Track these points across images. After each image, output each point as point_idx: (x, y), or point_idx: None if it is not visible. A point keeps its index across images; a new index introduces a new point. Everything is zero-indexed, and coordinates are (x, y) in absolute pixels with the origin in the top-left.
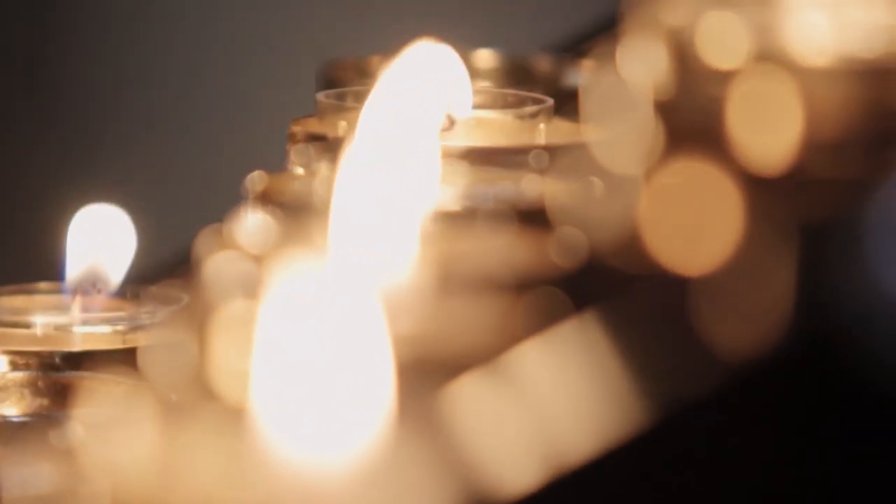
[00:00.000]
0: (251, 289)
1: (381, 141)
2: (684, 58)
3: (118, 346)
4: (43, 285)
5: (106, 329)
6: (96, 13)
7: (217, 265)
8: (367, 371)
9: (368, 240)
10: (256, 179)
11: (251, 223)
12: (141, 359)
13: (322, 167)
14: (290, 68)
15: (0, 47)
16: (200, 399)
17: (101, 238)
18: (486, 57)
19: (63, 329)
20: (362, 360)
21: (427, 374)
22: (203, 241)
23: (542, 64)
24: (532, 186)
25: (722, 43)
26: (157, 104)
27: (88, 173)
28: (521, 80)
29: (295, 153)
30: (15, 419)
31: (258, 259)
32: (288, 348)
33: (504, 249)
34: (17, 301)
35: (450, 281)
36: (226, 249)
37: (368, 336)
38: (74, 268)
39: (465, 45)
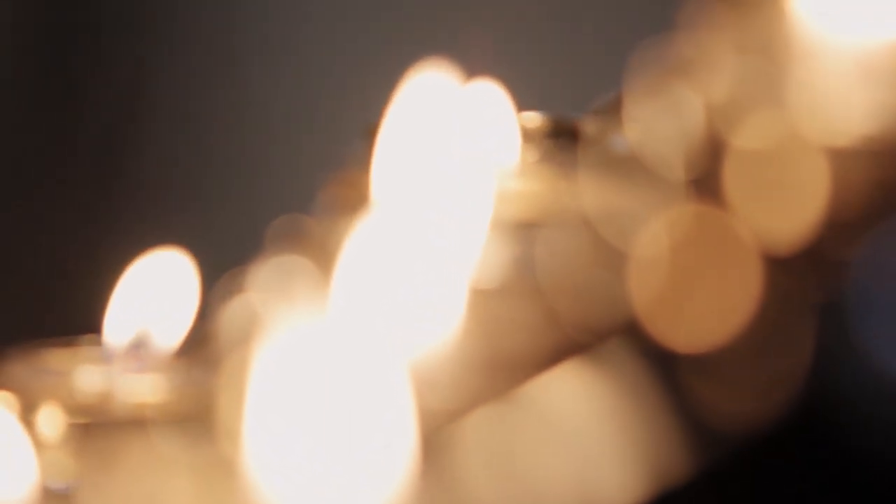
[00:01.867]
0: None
1: (418, 197)
2: (710, 133)
3: (165, 404)
4: (93, 340)
5: (153, 386)
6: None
7: (231, 314)
8: (385, 442)
9: (397, 304)
10: (280, 226)
11: (272, 271)
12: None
13: (359, 220)
14: (341, 121)
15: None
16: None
17: (156, 287)
18: (531, 119)
19: (108, 389)
20: (382, 431)
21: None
22: (222, 288)
23: (588, 126)
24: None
25: (747, 120)
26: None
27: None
28: (566, 143)
29: (329, 203)
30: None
31: (272, 308)
32: (295, 407)
33: (540, 324)
34: (64, 355)
35: (484, 356)
36: (242, 297)
37: (390, 406)
38: (125, 321)
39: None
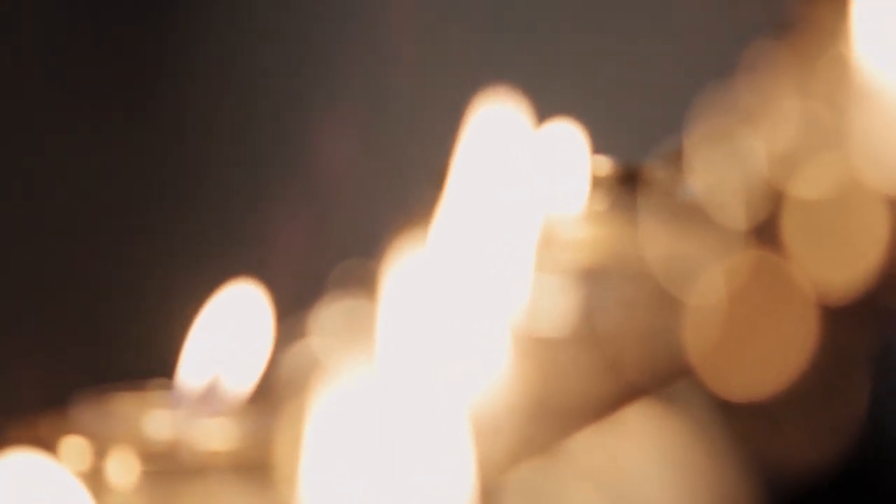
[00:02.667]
0: (321, 385)
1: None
2: (771, 181)
3: (233, 451)
4: (163, 382)
5: (222, 433)
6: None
7: (294, 358)
8: (443, 490)
9: (456, 350)
10: (346, 270)
11: (335, 315)
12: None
13: (422, 265)
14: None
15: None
16: None
17: (230, 332)
18: (600, 164)
19: (177, 430)
20: (440, 479)
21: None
22: (286, 332)
23: (654, 172)
24: (627, 307)
25: (807, 168)
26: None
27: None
28: (633, 188)
29: (396, 248)
30: None
31: (333, 354)
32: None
33: (600, 372)
34: (134, 399)
35: (543, 403)
36: (304, 341)
37: (449, 454)
38: (197, 364)
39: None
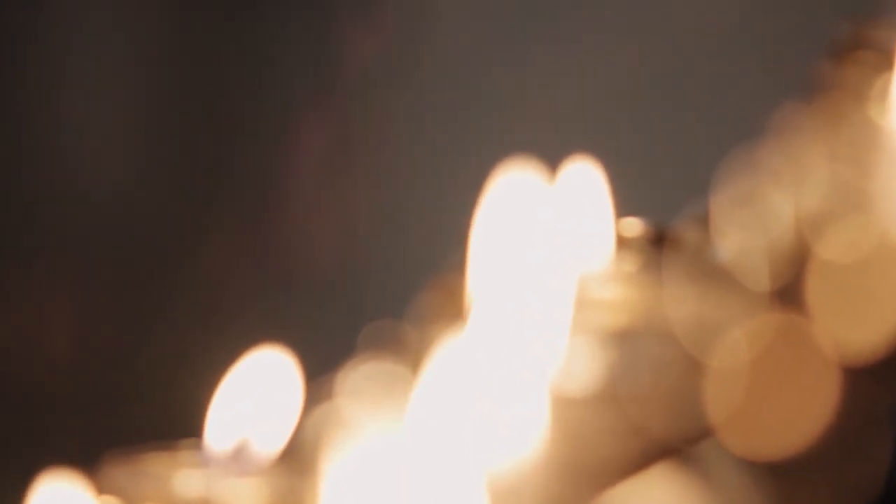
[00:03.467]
0: (345, 446)
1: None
2: (796, 242)
3: None
4: (192, 442)
5: (251, 492)
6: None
7: (320, 419)
8: None
9: (481, 412)
10: (374, 331)
11: (363, 376)
12: None
13: (450, 327)
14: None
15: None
16: None
17: (259, 391)
18: (629, 225)
19: (207, 489)
20: None
21: None
22: (313, 392)
23: (684, 234)
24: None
25: (833, 230)
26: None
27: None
28: (662, 249)
29: (426, 309)
30: None
31: (360, 415)
32: None
33: (626, 433)
34: (164, 459)
35: (570, 464)
36: (331, 402)
37: None
38: (226, 424)
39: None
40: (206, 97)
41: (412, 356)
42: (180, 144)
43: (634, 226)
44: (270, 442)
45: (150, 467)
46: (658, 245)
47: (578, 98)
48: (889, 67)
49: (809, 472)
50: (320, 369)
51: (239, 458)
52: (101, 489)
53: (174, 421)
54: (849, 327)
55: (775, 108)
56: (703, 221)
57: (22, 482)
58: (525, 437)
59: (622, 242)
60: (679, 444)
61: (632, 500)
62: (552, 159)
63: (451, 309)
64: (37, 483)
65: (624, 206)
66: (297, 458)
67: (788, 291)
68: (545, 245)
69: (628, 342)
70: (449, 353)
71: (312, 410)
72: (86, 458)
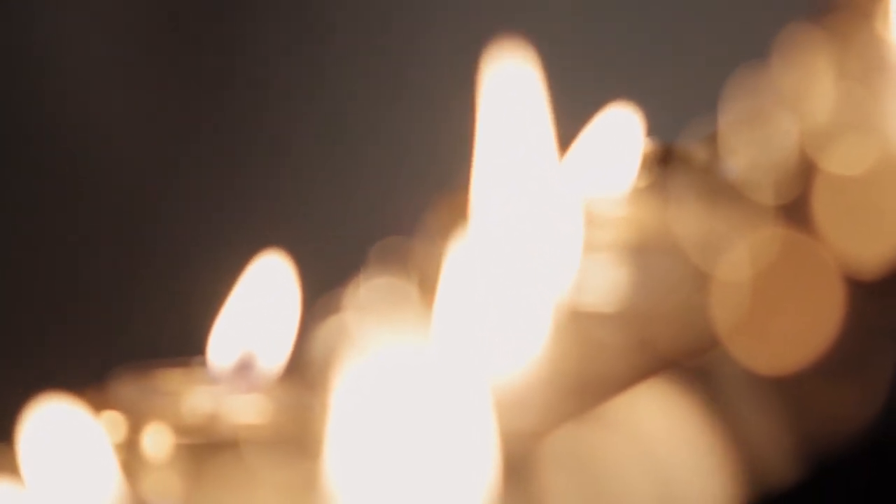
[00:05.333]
0: (352, 360)
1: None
2: (802, 158)
3: (268, 425)
4: (199, 361)
5: (259, 407)
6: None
7: (328, 334)
8: (469, 463)
9: (489, 324)
10: (384, 247)
11: (371, 292)
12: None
13: (458, 242)
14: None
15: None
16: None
17: (262, 307)
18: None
19: (215, 405)
20: (466, 452)
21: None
22: (321, 307)
23: (695, 152)
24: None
25: (839, 145)
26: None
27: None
28: (674, 168)
29: (433, 226)
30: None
31: (367, 330)
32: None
33: (633, 347)
34: (173, 375)
35: (575, 377)
36: (339, 317)
37: (471, 427)
38: (232, 341)
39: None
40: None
41: (419, 273)
42: (161, 86)
43: (647, 144)
44: (273, 357)
45: (156, 383)
46: (665, 163)
47: (585, 15)
48: None
49: (815, 386)
50: (326, 284)
51: (245, 375)
52: (106, 406)
53: (179, 340)
54: (854, 242)
55: (783, 26)
56: (711, 140)
57: (23, 405)
58: (531, 349)
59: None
60: (685, 359)
61: (629, 411)
62: (560, 81)
63: (459, 226)
64: (34, 404)
65: (633, 126)
66: (305, 373)
67: (795, 206)
68: (552, 162)
69: (638, 258)
70: (456, 267)
71: (320, 326)
72: (91, 378)
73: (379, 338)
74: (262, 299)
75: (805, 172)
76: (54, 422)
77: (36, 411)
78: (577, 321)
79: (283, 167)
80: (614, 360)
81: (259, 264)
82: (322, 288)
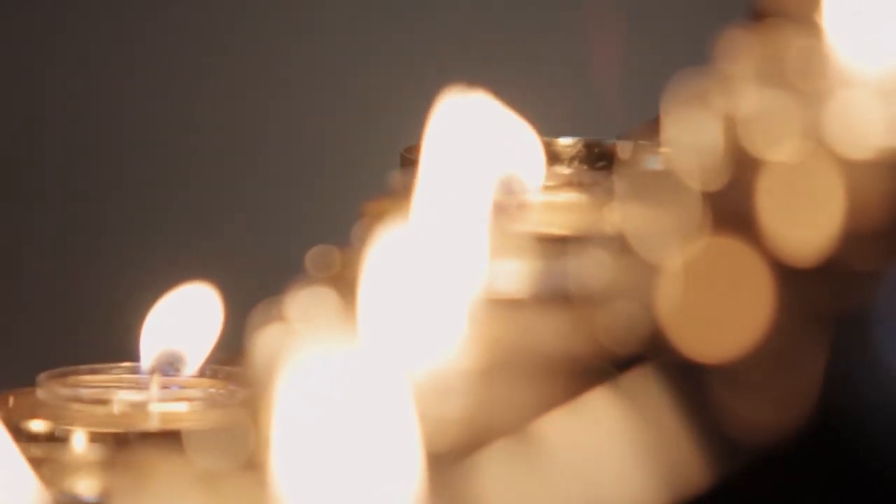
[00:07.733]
0: (288, 366)
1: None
2: (730, 144)
3: (195, 424)
4: (123, 364)
5: (183, 408)
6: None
7: (265, 340)
8: (394, 456)
9: (409, 319)
10: (316, 255)
11: (306, 298)
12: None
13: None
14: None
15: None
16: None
17: (184, 317)
18: (566, 143)
19: (140, 407)
20: (389, 444)
21: (461, 459)
22: (256, 317)
23: (622, 150)
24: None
25: (768, 132)
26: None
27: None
28: (601, 165)
29: (361, 231)
30: (89, 500)
31: (301, 337)
32: (313, 428)
33: (553, 335)
34: (97, 379)
35: (495, 366)
36: (276, 324)
37: (396, 419)
38: (154, 346)
39: (546, 132)
40: None
41: (349, 278)
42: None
43: (571, 143)
44: (197, 360)
45: (84, 384)
46: (601, 160)
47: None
48: None
49: (748, 376)
50: (260, 292)
51: (168, 376)
52: (35, 405)
53: (107, 347)
54: (789, 230)
55: (721, 29)
56: (644, 137)
57: None
58: (453, 338)
59: (560, 158)
60: (615, 348)
61: (564, 427)
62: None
63: (387, 230)
64: None
65: (570, 126)
66: (233, 376)
67: (726, 195)
68: (482, 163)
69: (572, 247)
70: (376, 269)
71: (256, 333)
72: (15, 381)
73: (310, 344)
74: (185, 306)
75: (735, 160)
76: None
77: None
78: (501, 309)
79: (211, 178)
80: (543, 349)
81: (182, 285)
82: (252, 297)
